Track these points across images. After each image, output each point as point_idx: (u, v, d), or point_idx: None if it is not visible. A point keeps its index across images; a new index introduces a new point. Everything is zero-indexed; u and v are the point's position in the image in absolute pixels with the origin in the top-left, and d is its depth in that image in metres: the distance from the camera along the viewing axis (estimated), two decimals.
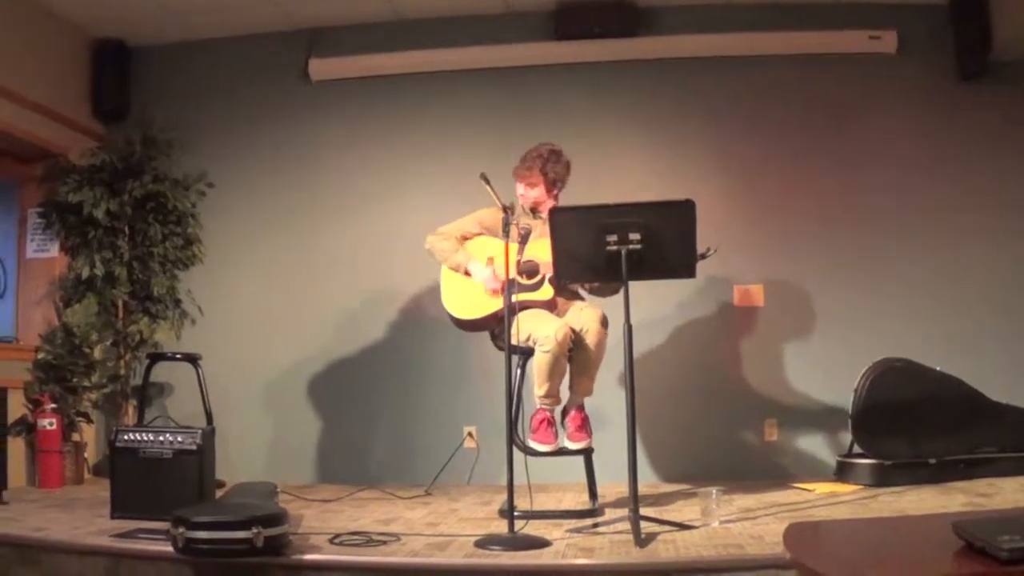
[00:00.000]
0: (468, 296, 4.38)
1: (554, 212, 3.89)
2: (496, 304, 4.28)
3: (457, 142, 5.90)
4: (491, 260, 4.37)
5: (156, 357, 5.47)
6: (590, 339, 4.14)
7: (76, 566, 3.33)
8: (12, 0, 5.42)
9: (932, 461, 4.78)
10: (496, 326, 4.36)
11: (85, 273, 5.47)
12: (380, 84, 6.05)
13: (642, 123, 5.88)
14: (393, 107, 6.04)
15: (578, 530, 3.60)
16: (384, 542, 3.38)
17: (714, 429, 5.57)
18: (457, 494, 5.01)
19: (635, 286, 3.69)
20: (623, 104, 5.88)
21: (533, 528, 3.56)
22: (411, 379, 5.79)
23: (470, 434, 5.67)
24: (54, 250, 5.78)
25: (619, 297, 3.70)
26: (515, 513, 3.49)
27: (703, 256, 3.91)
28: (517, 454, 3.76)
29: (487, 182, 3.93)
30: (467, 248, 4.46)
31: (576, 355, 4.22)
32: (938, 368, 4.94)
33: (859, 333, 5.50)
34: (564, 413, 4.29)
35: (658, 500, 4.49)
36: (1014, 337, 5.46)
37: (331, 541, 3.39)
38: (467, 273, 4.38)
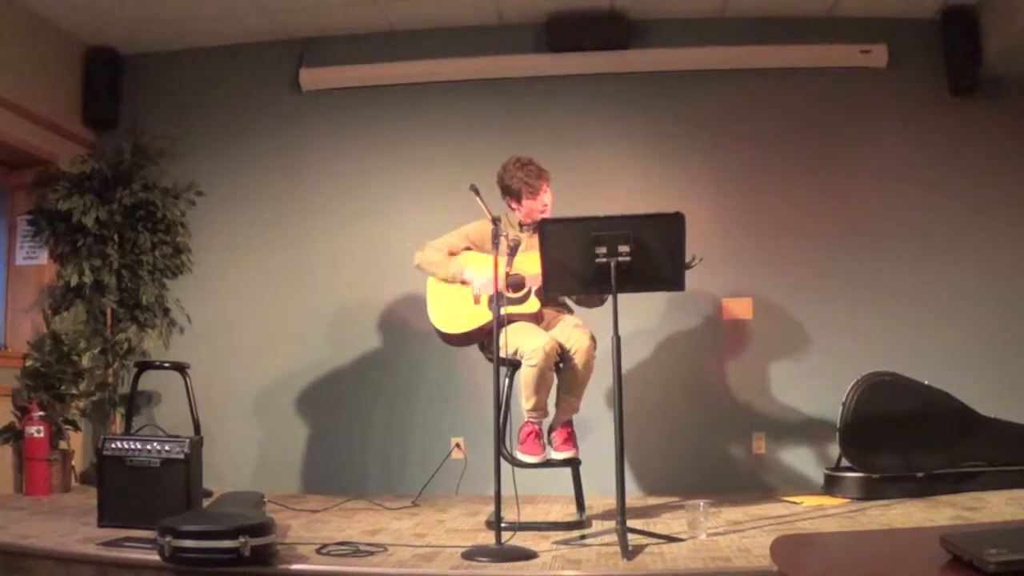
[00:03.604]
0: (454, 310, 4.36)
1: (543, 224, 3.89)
2: (482, 318, 4.27)
3: (448, 153, 5.90)
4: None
5: (144, 365, 5.45)
6: (579, 359, 4.14)
7: (63, 574, 3.31)
8: (4, 7, 5.41)
9: (920, 475, 4.79)
10: (483, 339, 4.36)
11: (74, 281, 5.46)
12: (371, 94, 6.05)
13: (632, 135, 5.88)
14: (384, 118, 6.04)
15: (565, 542, 3.59)
16: (371, 553, 3.36)
17: (702, 442, 5.57)
18: (445, 505, 5.00)
19: (623, 298, 3.69)
20: (614, 116, 5.89)
21: (520, 540, 3.54)
22: (399, 389, 5.78)
23: (458, 445, 5.66)
24: (43, 257, 5.76)
25: (607, 309, 3.70)
26: (502, 524, 3.48)
27: (688, 265, 3.90)
28: (505, 465, 3.76)
29: (477, 193, 3.92)
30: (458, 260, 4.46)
31: (564, 374, 4.23)
32: (926, 382, 4.94)
33: (847, 346, 5.51)
34: (550, 430, 4.29)
35: (645, 512, 4.49)
36: (1002, 350, 5.47)
37: (318, 551, 3.38)
38: (463, 282, 4.37)
